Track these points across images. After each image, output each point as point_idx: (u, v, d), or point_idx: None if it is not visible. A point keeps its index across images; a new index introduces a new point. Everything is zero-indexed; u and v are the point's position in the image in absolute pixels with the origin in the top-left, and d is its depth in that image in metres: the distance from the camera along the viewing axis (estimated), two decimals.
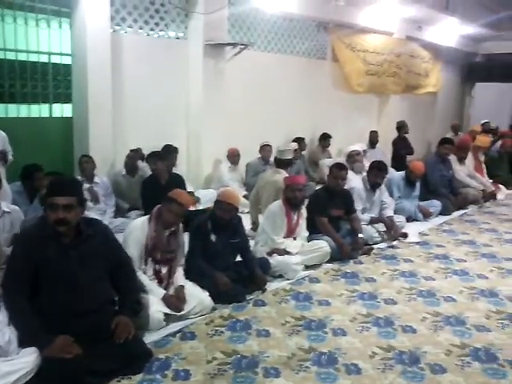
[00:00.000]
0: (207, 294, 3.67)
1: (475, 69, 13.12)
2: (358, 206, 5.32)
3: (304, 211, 4.78)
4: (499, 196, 7.85)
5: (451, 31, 10.82)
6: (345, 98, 9.14)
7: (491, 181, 8.03)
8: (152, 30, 6.50)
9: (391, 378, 2.90)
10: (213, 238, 3.91)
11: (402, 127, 9.72)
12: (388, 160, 9.03)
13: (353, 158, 6.41)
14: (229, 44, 6.82)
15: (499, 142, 9.23)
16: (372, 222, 5.45)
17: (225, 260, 4.00)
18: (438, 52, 11.26)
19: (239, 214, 4.20)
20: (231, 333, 3.42)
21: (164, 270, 3.60)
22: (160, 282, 3.57)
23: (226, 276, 3.82)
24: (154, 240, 3.55)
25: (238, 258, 4.18)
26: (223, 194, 3.97)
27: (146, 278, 3.50)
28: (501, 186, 8.20)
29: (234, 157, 6.85)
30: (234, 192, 4.12)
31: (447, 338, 3.39)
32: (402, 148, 9.41)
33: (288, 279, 4.36)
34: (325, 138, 8.41)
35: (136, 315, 3.13)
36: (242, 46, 6.91)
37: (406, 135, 9.59)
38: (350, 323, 3.60)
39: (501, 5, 10.06)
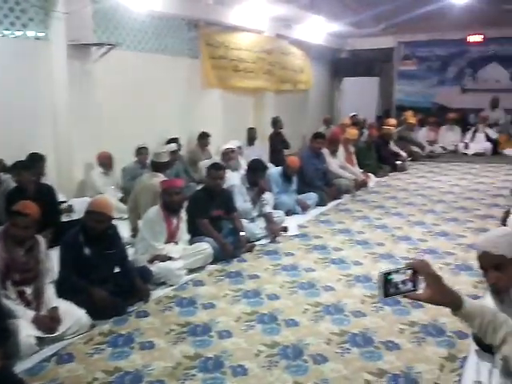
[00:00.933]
0: (84, 311, 3.46)
1: (342, 64, 13.85)
2: (240, 201, 5.35)
3: (184, 214, 4.70)
4: (369, 184, 8.35)
5: (318, 29, 11.31)
6: (221, 95, 9.17)
7: (361, 170, 8.52)
8: (7, 29, 6.00)
9: (277, 375, 2.94)
10: (86, 250, 3.70)
11: (276, 122, 9.98)
12: (267, 156, 9.23)
13: (227, 155, 6.45)
14: (95, 44, 6.50)
15: (367, 133, 9.85)
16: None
17: (102, 273, 3.79)
18: (307, 49, 11.72)
19: (117, 222, 4.02)
20: (112, 349, 3.26)
21: (29, 291, 3.33)
22: (28, 305, 3.30)
23: (103, 290, 3.63)
24: (6, 261, 3.25)
25: (117, 270, 4.00)
26: (93, 203, 3.76)
27: (10, 302, 3.20)
28: (370, 174, 8.73)
29: (104, 161, 6.48)
30: (105, 200, 3.92)
31: (327, 327, 3.52)
32: (277, 143, 9.66)
33: (171, 285, 4.26)
34: (203, 137, 8.37)
35: (4, 344, 2.86)
36: (110, 46, 6.62)
37: (281, 130, 9.86)
38: (236, 323, 3.60)
39: (361, 5, 10.71)
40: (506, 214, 5.47)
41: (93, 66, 6.58)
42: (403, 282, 1.67)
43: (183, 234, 4.64)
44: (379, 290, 1.64)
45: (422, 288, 1.68)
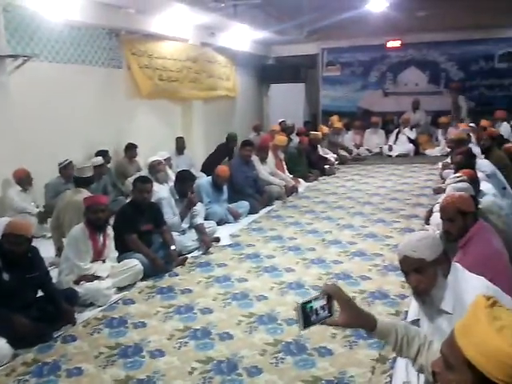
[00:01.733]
0: (4, 340, 3.25)
1: (268, 71, 14.00)
2: (169, 214, 5.25)
3: (110, 230, 4.54)
4: (300, 189, 8.46)
5: (243, 37, 11.37)
6: (148, 105, 8.99)
7: (291, 176, 8.62)
8: None
9: None
10: (5, 276, 3.48)
11: (231, 139, 9.50)
12: (197, 166, 9.14)
13: (154, 168, 6.30)
14: (9, 56, 6.17)
15: (297, 139, 9.98)
16: None
17: (23, 298, 3.58)
18: (233, 56, 11.75)
19: (40, 241, 3.82)
20: (37, 379, 3.09)
21: None
22: None
23: (25, 316, 3.43)
24: None
25: (41, 293, 3.80)
26: (10, 225, 3.54)
27: None
28: (300, 179, 8.87)
29: (22, 178, 6.09)
30: (22, 221, 3.73)
31: (261, 337, 3.50)
32: (223, 155, 9.49)
33: (100, 306, 4.10)
34: (130, 149, 8.15)
35: None
36: (25, 58, 6.31)
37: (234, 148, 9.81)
38: (168, 341, 3.51)
39: (284, 13, 10.87)
40: (429, 213, 5.71)
41: (8, 79, 6.25)
42: (322, 308, 1.69)
43: (111, 252, 4.48)
44: (298, 321, 1.65)
45: (337, 312, 1.71)
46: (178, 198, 5.43)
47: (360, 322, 1.78)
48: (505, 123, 10.40)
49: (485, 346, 1.18)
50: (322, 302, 1.70)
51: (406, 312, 3.65)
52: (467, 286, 2.20)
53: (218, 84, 10.82)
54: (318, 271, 4.72)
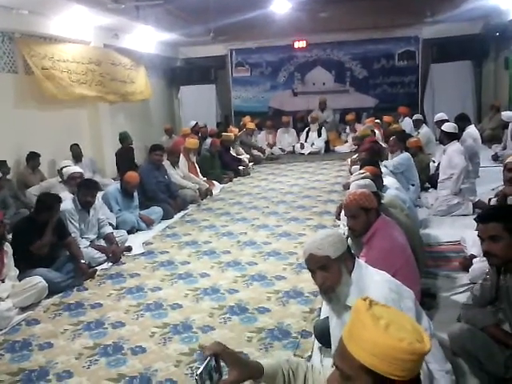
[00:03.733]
0: None
1: (178, 73, 13.82)
2: (73, 229, 4.97)
3: (8, 247, 4.22)
4: (214, 192, 8.40)
5: (149, 38, 11.12)
6: (50, 111, 8.52)
7: (205, 178, 8.53)
8: None
9: None
10: None
11: (124, 138, 9.61)
12: (107, 171, 8.83)
13: (75, 180, 5.86)
14: None
15: (209, 141, 9.91)
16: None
17: None
18: (139, 59, 11.45)
19: None
20: None
21: None
22: None
23: None
24: None
25: None
26: None
27: None
28: (214, 182, 8.80)
29: None
30: None
31: (176, 348, 3.40)
32: (126, 159, 9.29)
33: (0, 330, 3.80)
34: (33, 158, 7.67)
35: None
36: None
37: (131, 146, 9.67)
38: (77, 361, 3.32)
39: (190, 14, 10.75)
40: (340, 208, 5.85)
41: None
42: (215, 370, 1.68)
43: (10, 270, 4.17)
44: None
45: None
46: (80, 208, 5.13)
47: (249, 373, 1.79)
48: (407, 118, 10.93)
49: (376, 347, 1.20)
50: (214, 363, 1.68)
51: (320, 309, 3.70)
52: (370, 281, 2.25)
53: (122, 88, 10.49)
54: (233, 274, 4.68)
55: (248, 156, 10.93)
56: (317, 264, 2.23)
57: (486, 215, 2.53)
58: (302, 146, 12.21)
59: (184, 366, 3.16)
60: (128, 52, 10.80)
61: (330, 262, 2.21)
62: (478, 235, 2.50)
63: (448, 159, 6.19)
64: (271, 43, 13.49)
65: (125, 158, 9.35)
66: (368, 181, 3.65)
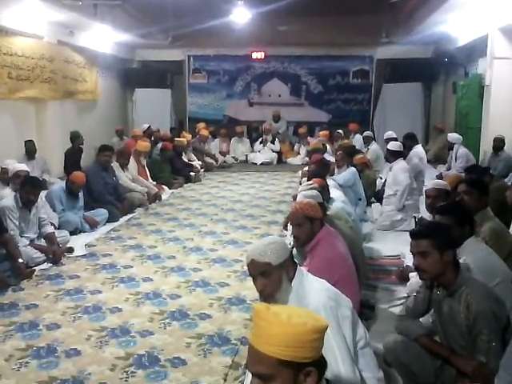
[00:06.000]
0: None
1: (133, 75, 13.61)
2: (12, 227, 4.78)
3: None
4: (163, 196, 8.30)
5: (105, 38, 10.92)
6: None
7: (155, 182, 8.42)
8: None
9: None
10: None
11: (75, 138, 9.38)
12: (54, 170, 8.57)
13: (19, 178, 5.62)
14: None
15: (160, 145, 9.79)
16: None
17: None
18: (93, 58, 11.22)
19: None
20: None
21: None
22: None
23: None
24: None
25: None
26: None
27: None
28: (164, 186, 8.70)
29: None
30: None
31: (112, 351, 3.32)
32: (75, 160, 9.06)
33: None
34: None
35: None
36: None
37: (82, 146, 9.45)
38: (6, 363, 3.20)
39: (148, 16, 10.65)
40: (287, 219, 5.90)
41: None
42: None
43: None
44: None
45: None
46: (21, 206, 4.93)
47: None
48: (357, 135, 11.18)
49: (286, 337, 1.32)
50: None
51: None
52: (310, 288, 2.27)
53: (72, 86, 10.24)
54: (176, 279, 4.62)
55: (200, 163, 10.86)
56: (258, 270, 2.24)
57: (416, 232, 2.61)
58: (255, 156, 12.27)
59: (119, 370, 3.09)
60: (83, 50, 10.58)
61: (271, 269, 2.22)
62: (410, 250, 2.58)
63: (393, 176, 6.37)
64: (230, 52, 13.54)
65: (73, 158, 9.12)
66: (315, 192, 3.70)
